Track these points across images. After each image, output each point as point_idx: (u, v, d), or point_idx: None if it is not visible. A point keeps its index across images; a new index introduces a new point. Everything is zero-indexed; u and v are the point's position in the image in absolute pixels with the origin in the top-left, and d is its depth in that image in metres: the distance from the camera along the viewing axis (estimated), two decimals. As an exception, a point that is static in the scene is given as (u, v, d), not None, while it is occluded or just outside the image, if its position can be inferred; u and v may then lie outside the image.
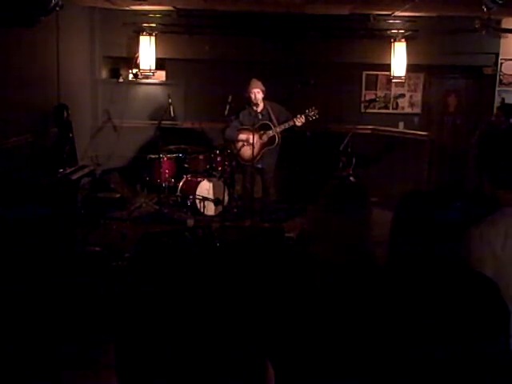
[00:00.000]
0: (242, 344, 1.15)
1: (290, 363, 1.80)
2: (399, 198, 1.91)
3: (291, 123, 6.46)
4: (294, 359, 1.78)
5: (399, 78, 8.15)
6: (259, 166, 6.57)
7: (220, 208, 7.06)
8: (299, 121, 6.43)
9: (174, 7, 7.71)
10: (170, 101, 7.36)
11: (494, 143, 2.38)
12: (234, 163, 7.07)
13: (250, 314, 1.19)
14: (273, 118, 6.55)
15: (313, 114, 6.47)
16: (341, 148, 6.69)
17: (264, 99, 6.60)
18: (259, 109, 6.60)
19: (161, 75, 8.69)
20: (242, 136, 6.60)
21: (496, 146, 2.33)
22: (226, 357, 1.12)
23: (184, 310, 1.13)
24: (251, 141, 6.37)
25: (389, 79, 8.35)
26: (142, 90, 8.45)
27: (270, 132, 6.52)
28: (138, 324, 1.12)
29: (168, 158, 7.33)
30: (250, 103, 6.59)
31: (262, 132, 6.53)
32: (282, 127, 6.50)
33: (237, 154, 6.70)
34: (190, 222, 6.61)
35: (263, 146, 6.57)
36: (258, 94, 6.50)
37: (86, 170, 6.47)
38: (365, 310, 1.70)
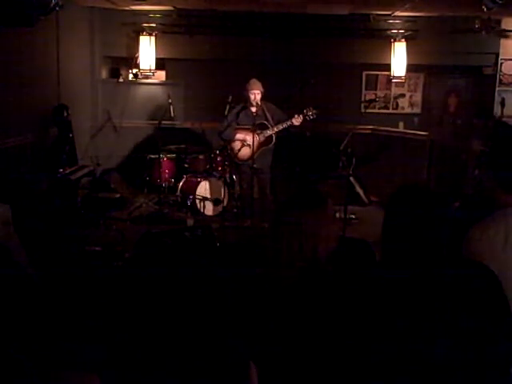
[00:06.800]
0: (227, 344, 1.15)
1: (273, 364, 1.79)
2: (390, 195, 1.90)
3: (289, 123, 6.43)
4: (277, 360, 1.77)
5: (399, 77, 8.15)
6: (255, 165, 6.55)
7: (220, 208, 7.05)
8: (297, 120, 6.40)
9: (173, 7, 7.71)
10: (169, 101, 7.35)
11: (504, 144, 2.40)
12: (233, 163, 7.06)
13: (237, 314, 1.19)
14: (269, 117, 6.51)
15: (311, 113, 6.43)
16: (341, 148, 6.68)
17: (261, 99, 6.58)
18: (255, 109, 6.57)
19: (161, 75, 8.70)
20: (239, 136, 6.57)
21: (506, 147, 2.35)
22: (212, 356, 1.11)
23: (184, 309, 1.12)
24: (248, 140, 6.36)
25: (389, 79, 8.35)
26: (142, 89, 8.45)
27: (268, 131, 6.50)
28: (136, 324, 1.12)
29: (168, 158, 7.33)
30: (247, 102, 6.56)
31: (258, 132, 6.51)
32: (280, 127, 6.46)
33: (233, 154, 6.67)
34: (190, 222, 6.61)
35: (260, 145, 6.54)
36: (257, 95, 6.47)
37: (86, 170, 6.47)
38: (357, 310, 1.69)
